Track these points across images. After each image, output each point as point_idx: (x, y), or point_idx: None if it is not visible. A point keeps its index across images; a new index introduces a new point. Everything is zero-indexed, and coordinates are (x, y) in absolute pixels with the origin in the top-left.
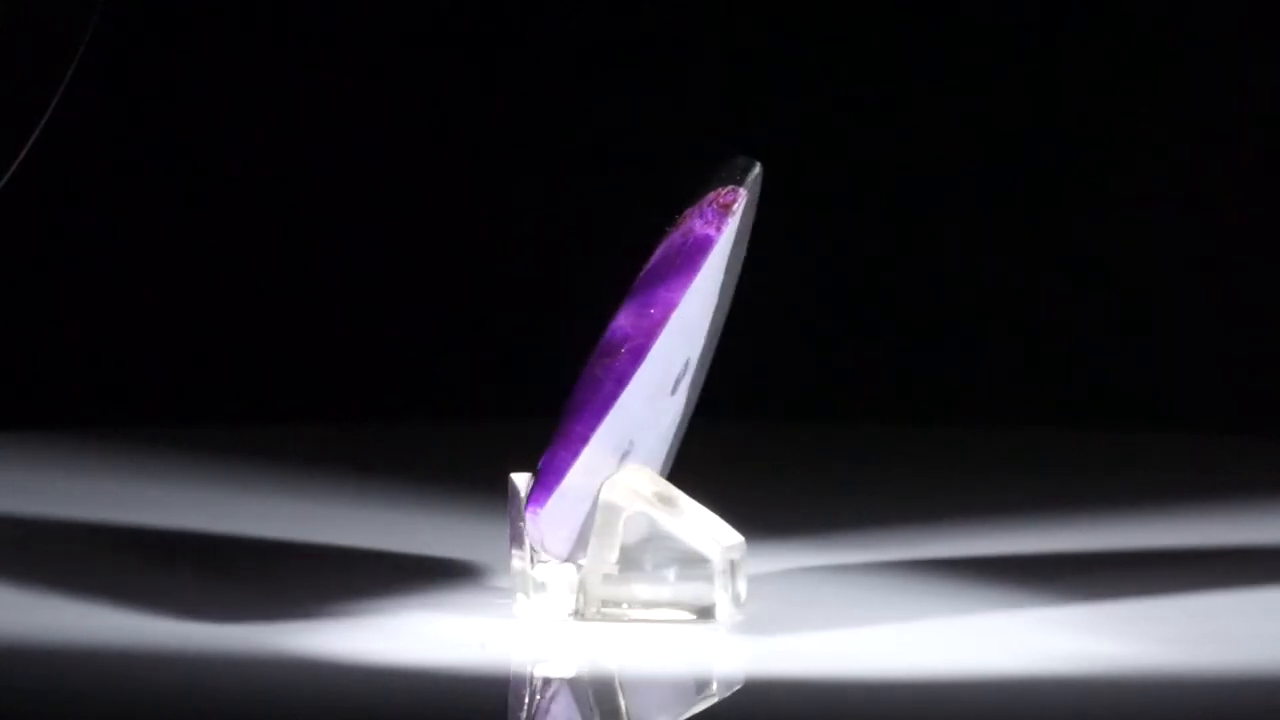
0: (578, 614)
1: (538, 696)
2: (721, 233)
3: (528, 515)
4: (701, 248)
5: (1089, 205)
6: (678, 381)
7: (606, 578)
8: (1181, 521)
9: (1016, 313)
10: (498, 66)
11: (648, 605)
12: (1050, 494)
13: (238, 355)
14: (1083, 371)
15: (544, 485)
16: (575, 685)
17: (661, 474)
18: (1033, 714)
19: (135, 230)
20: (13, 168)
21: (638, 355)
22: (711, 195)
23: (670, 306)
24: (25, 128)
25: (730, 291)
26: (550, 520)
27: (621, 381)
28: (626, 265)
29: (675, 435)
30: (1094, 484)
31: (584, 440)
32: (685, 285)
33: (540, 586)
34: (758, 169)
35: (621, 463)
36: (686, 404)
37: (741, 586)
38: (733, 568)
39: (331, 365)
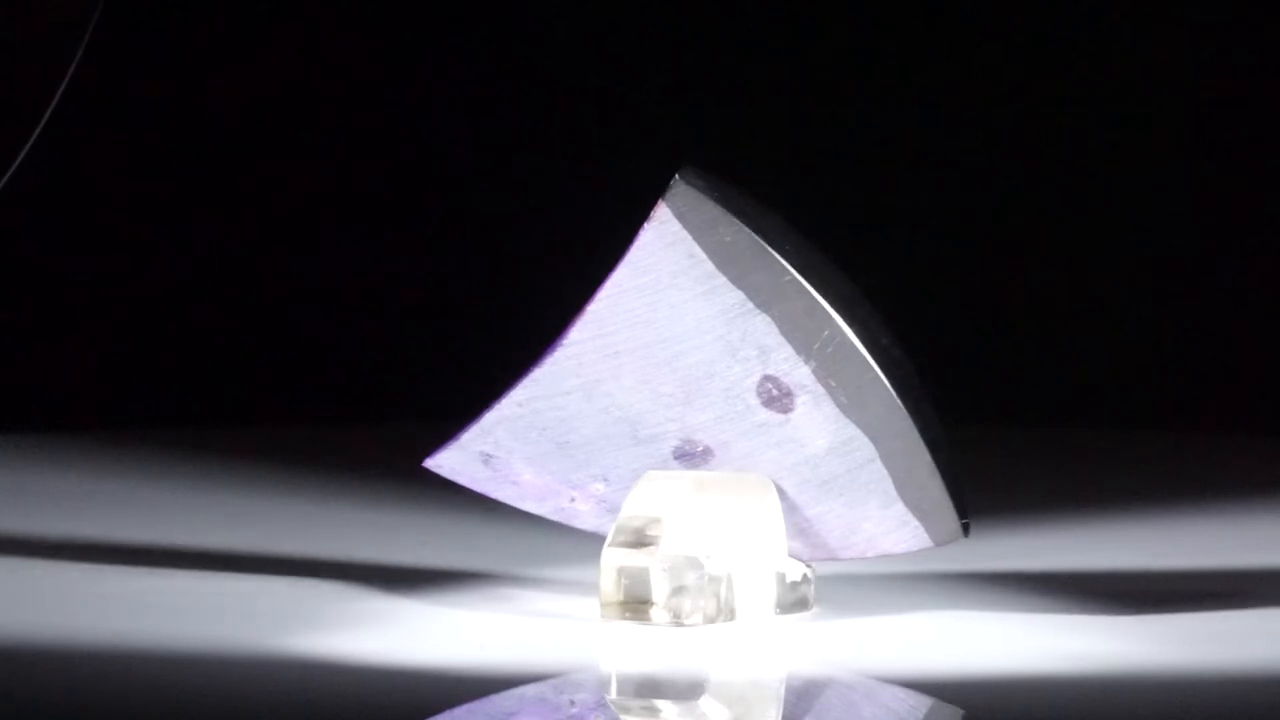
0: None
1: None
2: (638, 237)
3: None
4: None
5: (1089, 206)
6: (771, 400)
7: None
8: (1182, 520)
9: (1016, 312)
10: (491, 71)
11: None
12: (1050, 493)
13: (236, 357)
14: (1084, 372)
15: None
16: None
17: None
18: (1033, 713)
19: (134, 232)
20: (13, 168)
21: (552, 345)
22: None
23: (588, 301)
24: (26, 127)
25: (795, 309)
26: (444, 469)
27: (536, 364)
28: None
29: (852, 463)
30: (1094, 483)
31: (489, 408)
32: (605, 282)
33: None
34: (672, 182)
35: (687, 462)
36: (857, 432)
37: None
38: (627, 572)
39: (330, 367)
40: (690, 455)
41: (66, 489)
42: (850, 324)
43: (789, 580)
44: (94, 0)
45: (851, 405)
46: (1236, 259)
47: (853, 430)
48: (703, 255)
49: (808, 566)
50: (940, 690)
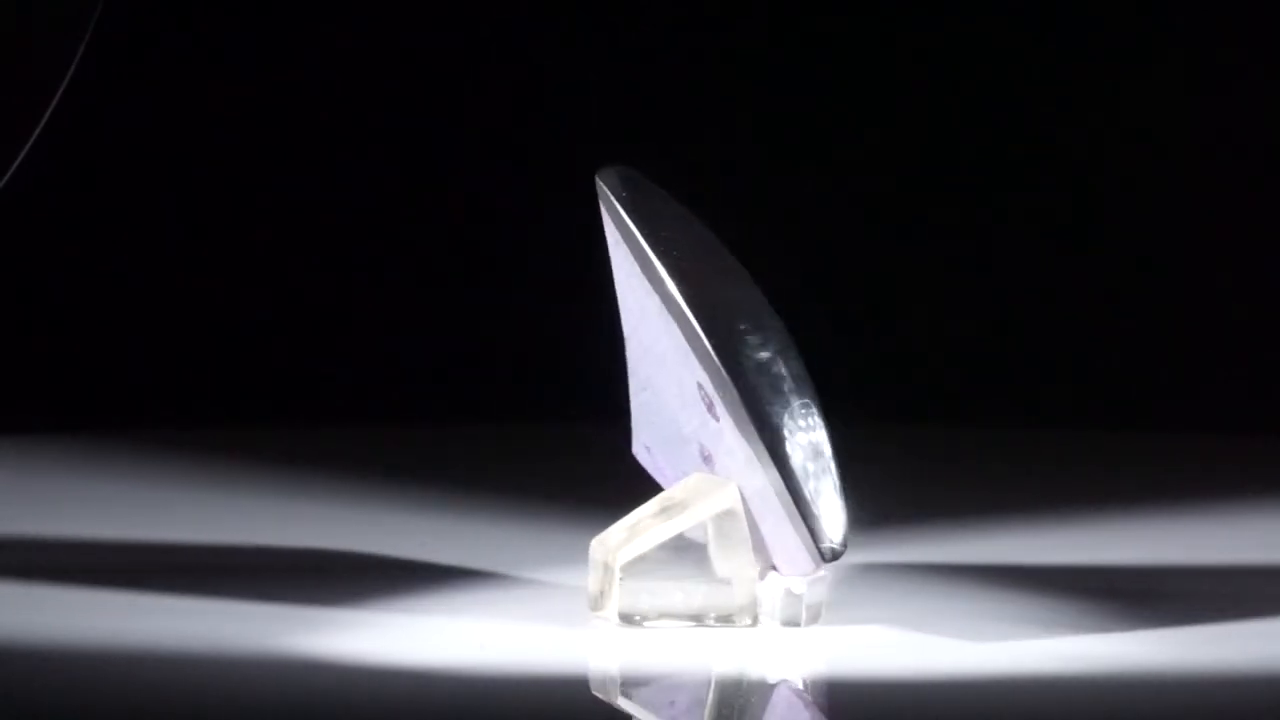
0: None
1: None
2: (609, 238)
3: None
4: None
5: (1090, 206)
6: (709, 406)
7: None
8: (1182, 520)
9: (1014, 312)
10: (501, 74)
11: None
12: (1051, 494)
13: (234, 358)
14: (1085, 372)
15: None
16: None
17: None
18: (1035, 713)
19: (133, 231)
20: (13, 168)
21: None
22: None
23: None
24: (26, 127)
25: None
26: (641, 458)
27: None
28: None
29: (778, 474)
30: (1096, 484)
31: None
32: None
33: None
34: (597, 183)
35: (703, 466)
36: (758, 452)
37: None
38: (610, 570)
39: (328, 368)
40: (707, 459)
41: (67, 489)
42: (712, 335)
43: (781, 592)
44: (94, 0)
45: (738, 420)
46: (1237, 258)
47: (748, 447)
48: (631, 256)
49: (811, 580)
50: (938, 691)
